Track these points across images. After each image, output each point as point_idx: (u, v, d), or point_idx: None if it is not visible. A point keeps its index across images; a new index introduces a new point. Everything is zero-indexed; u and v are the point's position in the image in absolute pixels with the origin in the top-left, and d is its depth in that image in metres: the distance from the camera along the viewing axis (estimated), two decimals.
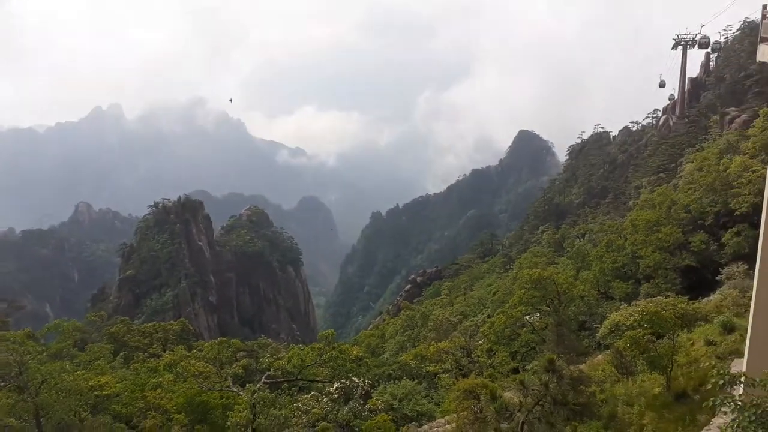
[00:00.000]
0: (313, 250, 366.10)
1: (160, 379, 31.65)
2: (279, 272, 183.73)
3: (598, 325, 32.39)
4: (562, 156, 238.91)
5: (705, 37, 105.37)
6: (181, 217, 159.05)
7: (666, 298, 31.92)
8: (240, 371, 34.19)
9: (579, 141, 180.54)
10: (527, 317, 41.66)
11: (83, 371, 31.15)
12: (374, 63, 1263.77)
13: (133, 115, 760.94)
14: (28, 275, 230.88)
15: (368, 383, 34.78)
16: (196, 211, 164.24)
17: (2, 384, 24.99)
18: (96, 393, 27.87)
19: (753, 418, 7.97)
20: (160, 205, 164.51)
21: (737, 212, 43.43)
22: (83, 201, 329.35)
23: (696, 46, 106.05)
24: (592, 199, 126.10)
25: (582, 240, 79.84)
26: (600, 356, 30.49)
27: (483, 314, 67.64)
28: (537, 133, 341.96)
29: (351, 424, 29.37)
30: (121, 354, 51.17)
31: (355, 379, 33.18)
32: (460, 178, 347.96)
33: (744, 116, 71.65)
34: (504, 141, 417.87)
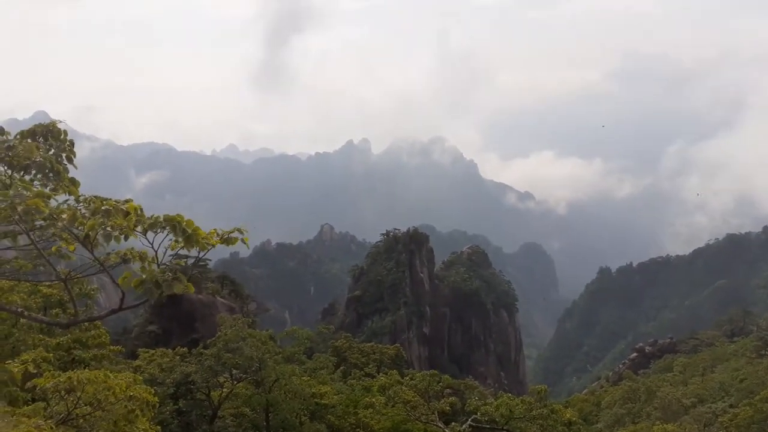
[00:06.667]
0: (530, 299, 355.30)
1: (373, 399, 33.10)
2: (492, 315, 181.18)
3: None
4: None
5: None
6: (407, 247, 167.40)
7: None
8: (447, 408, 34.12)
9: None
10: None
11: (308, 378, 34.04)
12: (623, 111, 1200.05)
13: (379, 150, 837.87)
14: (275, 282, 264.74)
15: None
16: (422, 244, 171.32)
17: (244, 376, 28.46)
18: (316, 400, 30.15)
19: None
20: (391, 234, 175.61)
21: None
22: (327, 223, 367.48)
23: None
24: None
25: None
26: None
27: (724, 402, 59.03)
28: None
29: None
30: (341, 368, 54.83)
31: None
32: (711, 241, 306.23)
33: None
34: None
